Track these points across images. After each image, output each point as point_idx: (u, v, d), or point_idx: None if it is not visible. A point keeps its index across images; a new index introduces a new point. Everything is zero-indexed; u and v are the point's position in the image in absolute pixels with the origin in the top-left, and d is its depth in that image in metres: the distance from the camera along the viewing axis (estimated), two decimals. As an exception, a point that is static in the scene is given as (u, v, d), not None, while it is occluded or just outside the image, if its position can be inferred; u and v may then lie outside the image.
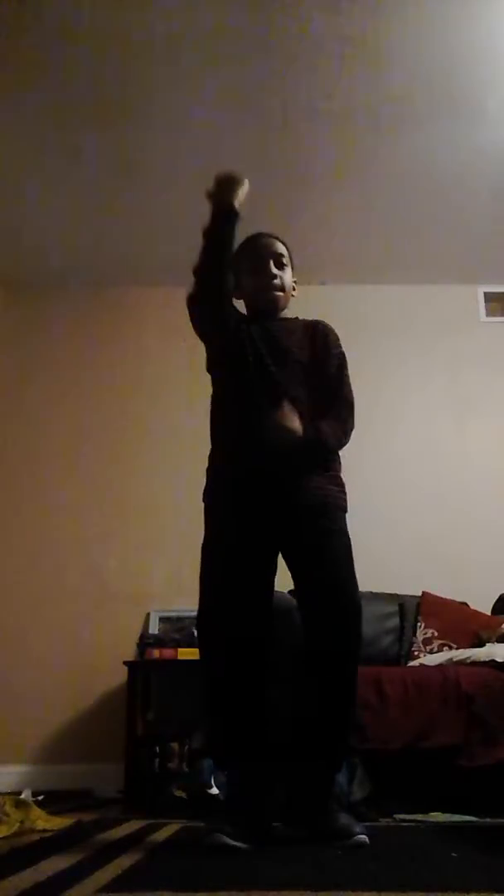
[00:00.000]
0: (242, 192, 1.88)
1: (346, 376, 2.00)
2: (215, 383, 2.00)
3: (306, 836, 1.68)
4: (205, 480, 1.92)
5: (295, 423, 1.83)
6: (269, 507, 1.80)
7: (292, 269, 2.04)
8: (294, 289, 2.06)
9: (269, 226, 3.64)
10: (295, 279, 2.06)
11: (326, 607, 1.76)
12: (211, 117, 3.02)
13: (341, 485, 1.90)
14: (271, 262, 1.98)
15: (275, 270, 1.98)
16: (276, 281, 1.99)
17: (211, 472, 1.91)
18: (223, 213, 1.86)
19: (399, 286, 4.14)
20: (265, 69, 2.80)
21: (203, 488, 1.91)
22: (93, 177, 3.34)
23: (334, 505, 1.85)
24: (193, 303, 1.89)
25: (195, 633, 1.90)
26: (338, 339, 2.02)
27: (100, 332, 4.07)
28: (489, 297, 4.18)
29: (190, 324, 1.95)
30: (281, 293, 2.00)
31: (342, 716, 1.78)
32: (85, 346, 4.06)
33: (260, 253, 2.00)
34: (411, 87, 2.90)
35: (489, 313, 4.16)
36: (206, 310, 1.90)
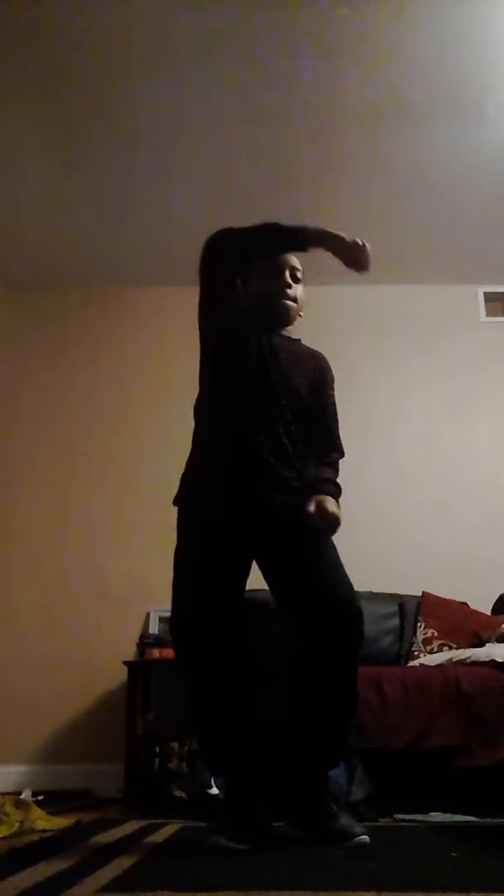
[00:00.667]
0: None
1: (337, 422, 2.02)
2: (209, 388, 1.95)
3: (307, 836, 1.68)
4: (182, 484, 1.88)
5: (292, 482, 1.82)
6: (248, 514, 1.79)
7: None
8: (302, 308, 2.02)
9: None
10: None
11: (326, 611, 1.71)
12: (211, 117, 3.02)
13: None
14: (287, 272, 1.96)
15: (290, 280, 1.96)
16: (290, 291, 1.96)
17: (189, 481, 1.87)
18: (295, 243, 1.85)
19: (399, 286, 4.14)
20: (265, 69, 2.80)
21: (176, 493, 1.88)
22: (93, 177, 3.34)
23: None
24: (218, 246, 1.88)
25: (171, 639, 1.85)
26: (333, 381, 2.04)
27: (100, 332, 4.07)
28: (489, 297, 4.18)
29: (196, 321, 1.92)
30: (293, 304, 1.97)
31: (342, 717, 1.77)
32: (85, 346, 4.06)
33: (277, 260, 1.95)
34: (411, 87, 2.90)
35: (489, 313, 4.17)
36: (225, 255, 1.88)
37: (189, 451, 1.93)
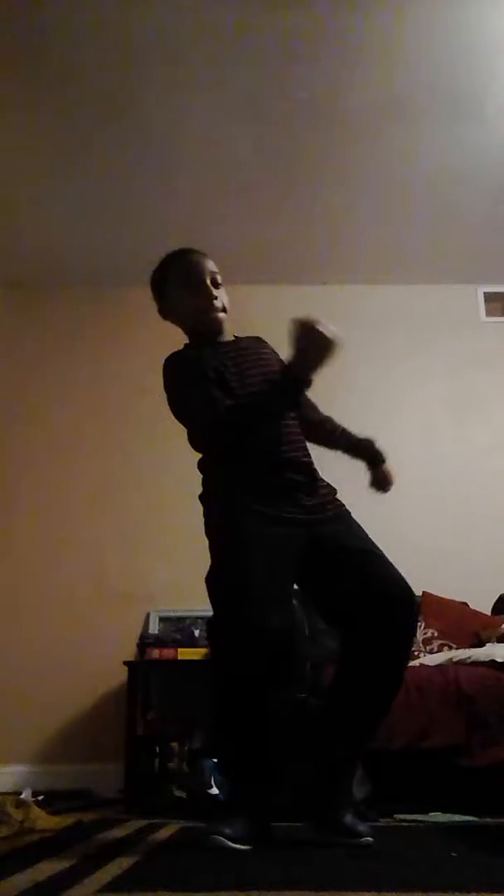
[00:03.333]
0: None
1: None
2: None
3: (312, 832, 1.67)
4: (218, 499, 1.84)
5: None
6: (295, 514, 1.78)
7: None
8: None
9: (269, 225, 3.66)
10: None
11: (388, 600, 1.71)
12: (211, 117, 3.02)
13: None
14: (209, 282, 1.90)
15: (214, 290, 1.89)
16: (217, 302, 1.90)
17: (229, 489, 1.80)
18: (302, 387, 1.72)
19: (399, 286, 4.14)
20: (265, 69, 2.81)
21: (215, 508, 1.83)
22: (93, 177, 3.34)
23: (341, 505, 1.87)
24: (215, 438, 1.79)
25: (210, 636, 1.82)
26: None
27: (100, 332, 4.07)
28: (489, 297, 4.18)
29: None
30: (223, 314, 1.92)
31: (382, 713, 1.75)
32: (85, 346, 4.06)
33: (196, 271, 1.90)
34: (411, 87, 2.90)
35: (489, 313, 4.17)
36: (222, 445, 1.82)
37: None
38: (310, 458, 1.87)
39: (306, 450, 1.88)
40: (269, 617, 1.64)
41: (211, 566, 1.77)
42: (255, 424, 1.77)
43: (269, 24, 2.61)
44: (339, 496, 1.88)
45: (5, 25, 2.59)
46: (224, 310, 1.93)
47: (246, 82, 2.87)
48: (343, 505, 1.87)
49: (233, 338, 1.98)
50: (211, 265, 1.92)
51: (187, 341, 2.01)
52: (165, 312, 2.01)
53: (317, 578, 1.81)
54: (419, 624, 3.26)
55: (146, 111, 2.99)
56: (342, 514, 1.85)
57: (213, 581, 1.75)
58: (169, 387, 1.92)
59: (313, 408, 2.08)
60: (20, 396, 3.98)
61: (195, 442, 1.84)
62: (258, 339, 2.02)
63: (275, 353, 1.99)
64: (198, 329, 1.95)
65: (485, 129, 3.11)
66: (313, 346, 1.66)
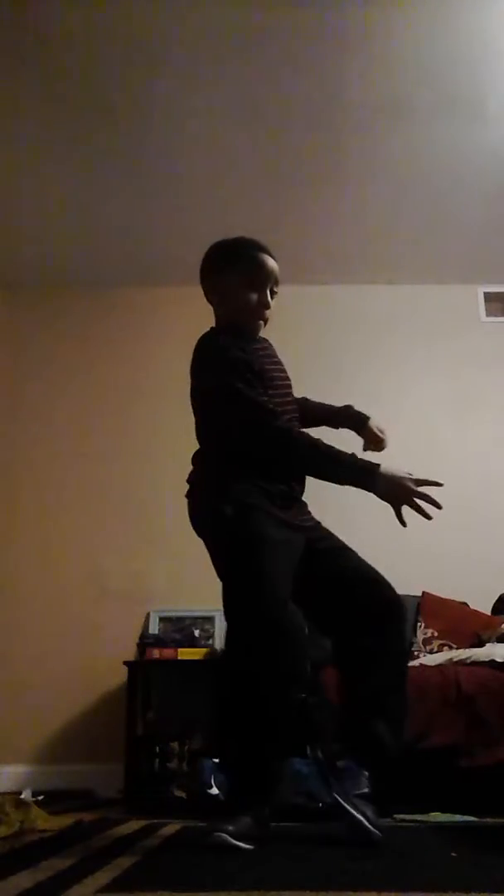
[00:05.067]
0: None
1: None
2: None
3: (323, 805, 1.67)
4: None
5: None
6: (302, 521, 1.85)
7: None
8: None
9: (269, 225, 3.66)
10: None
11: (375, 603, 1.77)
12: (211, 117, 3.02)
13: None
14: (269, 292, 1.91)
15: (270, 300, 1.92)
16: (267, 311, 1.93)
17: (245, 488, 1.79)
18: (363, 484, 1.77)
19: (399, 286, 4.14)
20: (265, 69, 2.80)
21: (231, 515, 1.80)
22: (93, 177, 3.34)
23: None
24: (264, 442, 1.81)
25: (232, 637, 1.82)
26: None
27: (100, 332, 4.07)
28: (489, 297, 4.18)
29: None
30: (264, 322, 1.95)
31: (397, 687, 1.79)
32: (85, 346, 4.06)
33: (265, 276, 1.90)
34: (411, 87, 2.90)
35: (489, 313, 4.16)
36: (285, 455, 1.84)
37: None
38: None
39: None
40: (292, 615, 1.67)
41: (228, 563, 1.76)
42: (305, 466, 1.83)
43: (269, 24, 2.61)
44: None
45: (4, 25, 2.59)
46: (268, 319, 1.95)
47: (246, 82, 2.86)
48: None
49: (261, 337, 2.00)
50: (278, 274, 1.92)
51: (213, 325, 2.00)
52: (212, 290, 1.96)
53: (310, 585, 1.81)
54: (419, 624, 3.26)
55: (146, 112, 2.99)
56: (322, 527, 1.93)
57: (232, 578, 1.74)
58: (205, 367, 1.87)
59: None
60: (20, 396, 3.98)
61: (220, 431, 1.84)
62: (266, 340, 2.04)
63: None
64: (238, 324, 1.93)
65: (485, 129, 3.11)
66: (400, 500, 1.82)
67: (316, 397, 2.16)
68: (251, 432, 1.80)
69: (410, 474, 1.82)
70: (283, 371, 1.97)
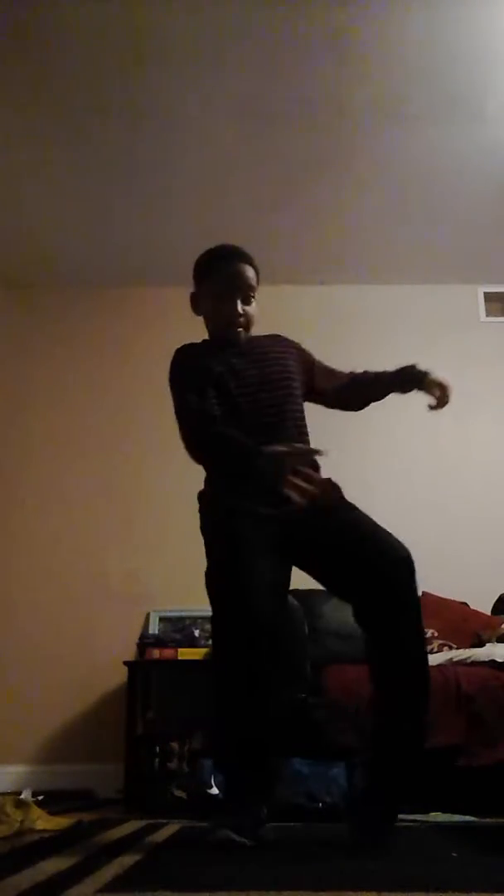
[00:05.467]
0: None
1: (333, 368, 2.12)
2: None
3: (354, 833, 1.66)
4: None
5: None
6: (281, 518, 1.79)
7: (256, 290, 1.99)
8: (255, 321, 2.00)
9: (268, 225, 3.65)
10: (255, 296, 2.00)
11: (380, 568, 1.72)
12: (211, 117, 3.02)
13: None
14: (239, 300, 1.92)
15: (241, 308, 1.92)
16: (242, 319, 1.93)
17: (220, 506, 1.83)
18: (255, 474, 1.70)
19: (399, 286, 4.14)
20: (265, 69, 2.81)
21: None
22: (93, 177, 3.34)
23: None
24: (190, 446, 1.82)
25: (212, 638, 1.84)
26: (300, 344, 2.08)
27: (100, 332, 4.07)
28: (489, 297, 4.18)
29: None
30: (242, 329, 1.95)
31: (416, 685, 1.76)
32: (85, 346, 4.06)
33: (231, 284, 1.92)
34: (411, 88, 2.90)
35: (489, 313, 4.17)
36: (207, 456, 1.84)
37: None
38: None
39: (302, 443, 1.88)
40: (263, 608, 1.68)
41: (207, 565, 1.80)
42: (220, 464, 1.81)
43: (269, 23, 2.61)
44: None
45: (4, 25, 2.59)
46: (247, 325, 1.96)
47: (245, 82, 2.87)
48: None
49: (248, 338, 1.99)
50: (249, 278, 1.93)
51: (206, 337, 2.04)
52: (195, 305, 2.03)
53: (320, 560, 1.83)
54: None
55: (146, 112, 2.99)
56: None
57: (209, 579, 1.78)
58: (170, 379, 1.95)
59: (333, 375, 2.09)
60: (19, 397, 3.98)
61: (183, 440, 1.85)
62: (274, 337, 2.04)
63: (292, 348, 2.02)
64: (215, 334, 1.99)
65: (485, 129, 3.11)
66: (304, 491, 1.63)
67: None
68: (185, 437, 1.83)
69: (294, 446, 1.74)
70: (270, 361, 1.94)
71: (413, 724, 1.74)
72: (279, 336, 2.06)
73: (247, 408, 1.85)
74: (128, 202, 3.51)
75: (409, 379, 2.06)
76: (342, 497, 1.83)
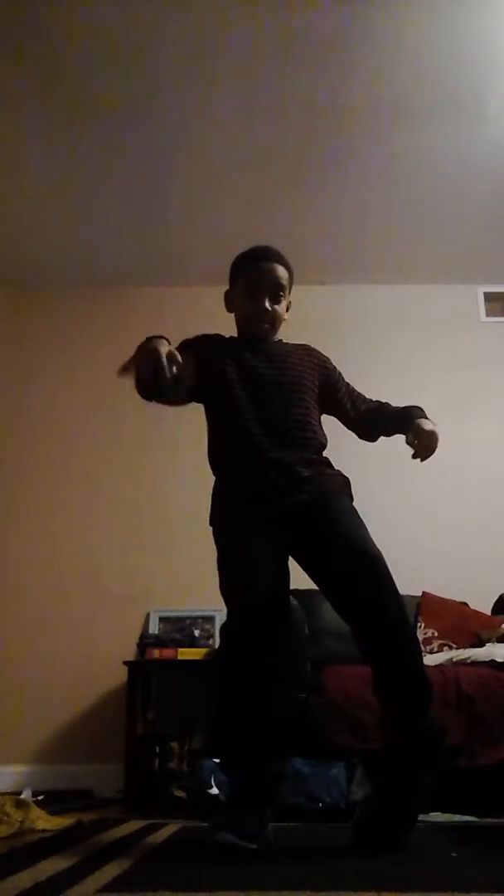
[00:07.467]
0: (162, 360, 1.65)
1: (354, 388, 2.17)
2: (212, 430, 1.97)
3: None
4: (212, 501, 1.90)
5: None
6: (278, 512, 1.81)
7: (290, 289, 2.01)
8: (287, 310, 2.03)
9: (269, 225, 3.65)
10: (289, 301, 2.03)
11: (344, 563, 1.75)
12: (211, 117, 3.02)
13: (343, 476, 1.94)
14: (267, 297, 1.95)
15: (268, 305, 1.95)
16: (268, 315, 1.96)
17: (221, 507, 1.89)
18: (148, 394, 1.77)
19: (399, 286, 4.14)
20: (265, 69, 2.81)
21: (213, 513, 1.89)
22: (92, 177, 3.34)
23: (338, 490, 1.88)
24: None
25: (219, 639, 1.88)
26: (328, 360, 2.11)
27: (100, 332, 4.07)
28: (489, 297, 4.18)
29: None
30: (269, 326, 1.99)
31: (410, 676, 1.77)
32: (85, 346, 4.06)
33: (259, 281, 1.95)
34: (411, 88, 2.90)
35: (489, 313, 4.17)
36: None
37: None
38: (305, 456, 1.87)
39: (305, 448, 1.88)
40: (261, 601, 1.70)
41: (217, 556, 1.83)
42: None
43: (270, 24, 2.61)
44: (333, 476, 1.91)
45: (4, 25, 2.59)
46: (273, 322, 1.99)
47: (245, 82, 2.87)
48: (329, 484, 1.88)
49: (276, 341, 2.02)
50: (278, 276, 1.96)
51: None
52: (228, 303, 2.06)
53: (306, 559, 1.85)
54: (419, 624, 3.26)
55: (147, 112, 2.99)
56: (324, 497, 1.85)
57: (220, 581, 1.81)
58: None
59: (359, 399, 2.14)
60: (20, 397, 3.98)
61: None
62: (303, 347, 2.07)
63: (315, 359, 2.04)
64: (243, 331, 2.03)
65: (485, 129, 3.11)
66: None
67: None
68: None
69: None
70: (284, 367, 1.95)
71: (417, 727, 1.76)
72: (308, 347, 2.08)
73: (249, 405, 1.86)
74: (127, 202, 3.51)
75: (403, 422, 2.10)
76: (339, 492, 1.86)
